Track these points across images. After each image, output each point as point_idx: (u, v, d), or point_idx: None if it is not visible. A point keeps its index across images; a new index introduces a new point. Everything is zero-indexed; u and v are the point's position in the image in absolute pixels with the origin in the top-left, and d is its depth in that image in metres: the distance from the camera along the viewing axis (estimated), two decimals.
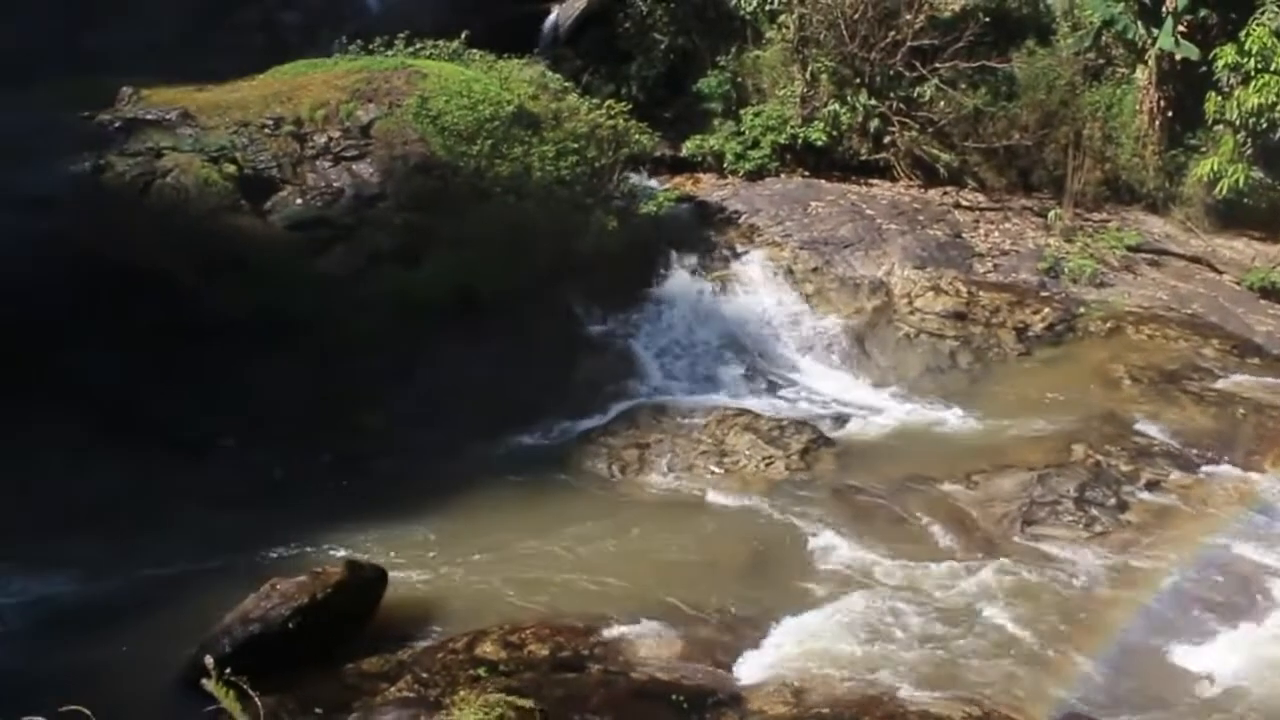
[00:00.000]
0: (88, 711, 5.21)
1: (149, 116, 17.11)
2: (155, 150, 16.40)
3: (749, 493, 14.46)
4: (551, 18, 24.40)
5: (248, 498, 14.12)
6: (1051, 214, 21.32)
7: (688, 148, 22.18)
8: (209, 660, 6.32)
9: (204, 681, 5.70)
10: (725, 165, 22.01)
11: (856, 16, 21.62)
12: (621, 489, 14.78)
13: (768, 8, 22.73)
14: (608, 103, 19.92)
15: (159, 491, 13.84)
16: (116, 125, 16.95)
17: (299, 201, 16.55)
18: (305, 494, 14.21)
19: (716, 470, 14.97)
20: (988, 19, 21.95)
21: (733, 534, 13.43)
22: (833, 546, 12.89)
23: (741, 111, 22.40)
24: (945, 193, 22.05)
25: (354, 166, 17.04)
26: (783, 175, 21.95)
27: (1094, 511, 13.50)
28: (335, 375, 15.58)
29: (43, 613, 11.51)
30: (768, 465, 14.96)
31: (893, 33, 21.66)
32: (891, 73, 21.95)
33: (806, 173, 22.09)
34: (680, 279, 18.74)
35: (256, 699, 5.90)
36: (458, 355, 16.21)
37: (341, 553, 12.19)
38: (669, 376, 17.46)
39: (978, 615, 11.49)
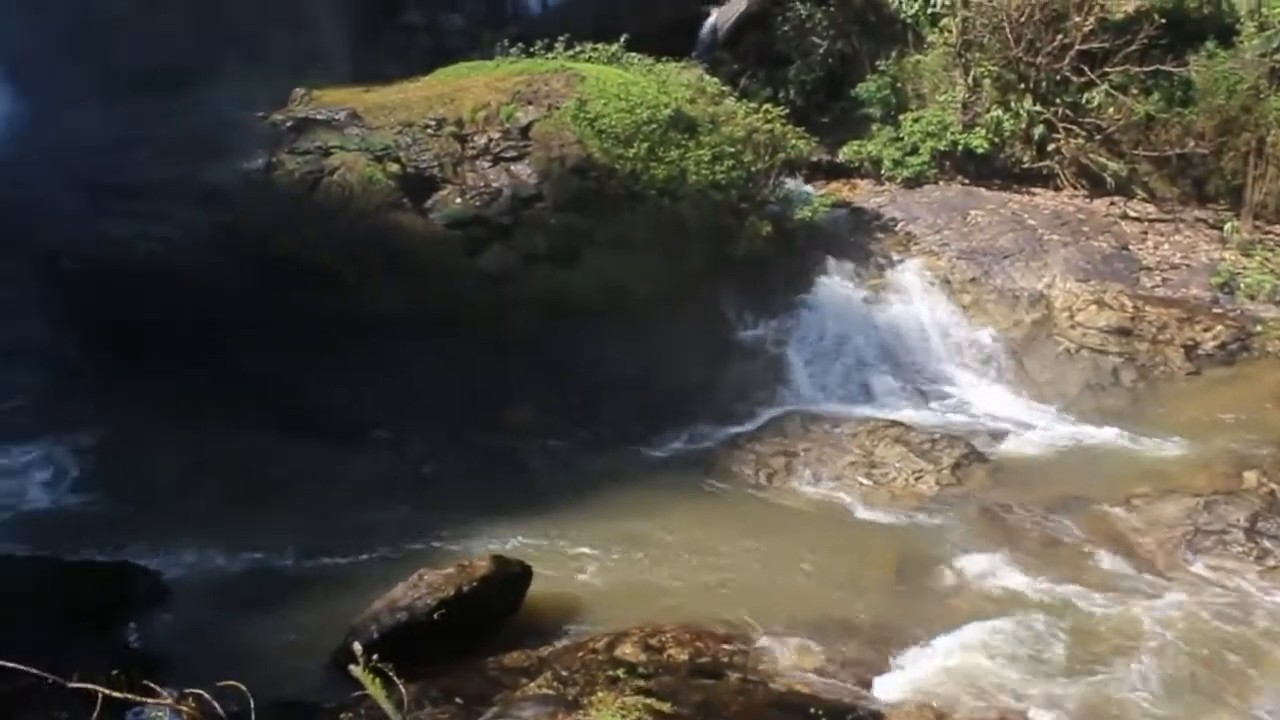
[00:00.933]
0: (243, 688, 5.39)
1: (319, 116, 17.72)
2: (324, 149, 16.98)
3: (897, 506, 14.19)
4: (710, 21, 24.38)
5: (399, 489, 14.53)
6: (1228, 226, 20.30)
7: (845, 153, 21.88)
8: (357, 647, 6.50)
9: (352, 668, 5.86)
10: (882, 171, 21.64)
11: (1022, 19, 20.98)
12: (767, 496, 14.67)
13: (930, 11, 22.25)
14: (765, 107, 19.80)
15: (317, 479, 14.36)
16: (288, 125, 17.61)
17: (458, 201, 16.91)
18: (455, 487, 14.52)
19: (865, 482, 14.72)
20: (1163, 20, 21.02)
21: (879, 548, 13.17)
22: (983, 566, 12.52)
23: (901, 117, 21.99)
24: (1112, 203, 21.20)
25: (512, 167, 17.32)
26: (941, 183, 21.46)
27: (1267, 544, 12.76)
28: (487, 372, 15.90)
29: (207, 587, 12.06)
30: (917, 479, 14.64)
31: (1060, 36, 20.94)
32: (1058, 78, 21.23)
33: (966, 180, 21.55)
34: (833, 286, 18.49)
35: (401, 686, 6.03)
36: (608, 356, 16.34)
37: (488, 547, 12.37)
38: (819, 385, 17.26)
39: (1138, 648, 10.96)
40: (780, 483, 14.86)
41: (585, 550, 12.84)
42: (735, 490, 14.76)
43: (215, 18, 20.72)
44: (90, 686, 4.41)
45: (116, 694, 4.56)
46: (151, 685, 5.16)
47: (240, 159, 16.73)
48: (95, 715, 4.63)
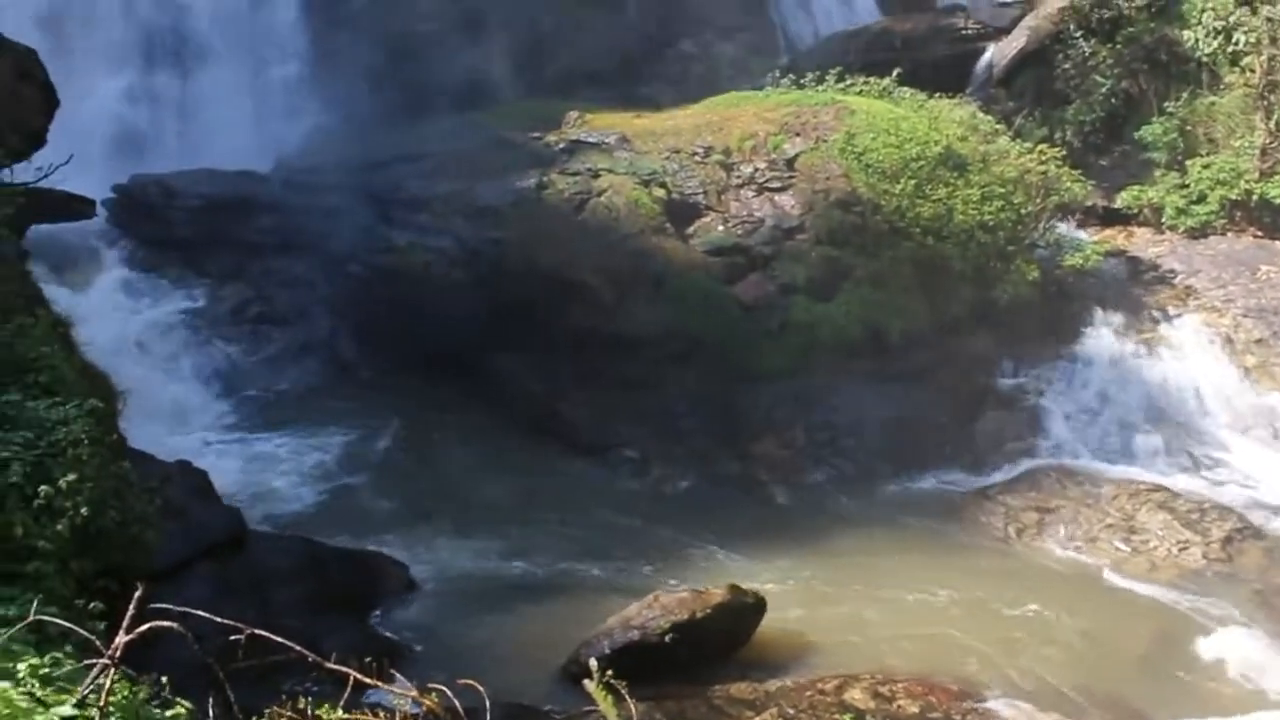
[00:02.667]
0: (480, 688, 5.58)
1: (590, 139, 18.31)
2: (593, 171, 17.52)
3: (1156, 578, 13.34)
4: (985, 57, 23.75)
5: (642, 507, 14.78)
6: None
7: (1123, 199, 20.82)
8: (592, 661, 6.65)
9: (585, 682, 5.98)
10: (1163, 220, 20.45)
11: None
12: (1015, 551, 14.10)
13: (1231, 49, 20.92)
14: (1039, 147, 19.12)
15: (563, 490, 14.81)
16: (560, 146, 18.27)
17: (720, 228, 17.10)
18: (697, 512, 14.64)
19: (1122, 548, 13.91)
20: None
21: (1132, 619, 12.43)
22: (1248, 652, 11.60)
23: (1188, 162, 20.73)
24: None
25: (776, 197, 17.38)
26: (1229, 234, 20.07)
27: None
28: (738, 399, 15.98)
29: (452, 586, 12.63)
30: (1182, 550, 13.72)
31: None
32: None
33: (1259, 233, 20.08)
34: (1101, 338, 17.60)
35: (631, 704, 6.10)
36: (861, 392, 16.14)
37: (725, 575, 12.40)
38: (1079, 440, 16.44)
39: None
40: (1030, 539, 14.25)
41: (821, 588, 12.70)
42: (981, 542, 14.25)
43: (501, 45, 21.86)
44: (345, 670, 4.68)
45: (367, 680, 4.82)
46: (396, 674, 5.41)
47: (514, 177, 17.47)
48: (345, 696, 4.89)
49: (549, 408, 16.07)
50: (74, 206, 15.73)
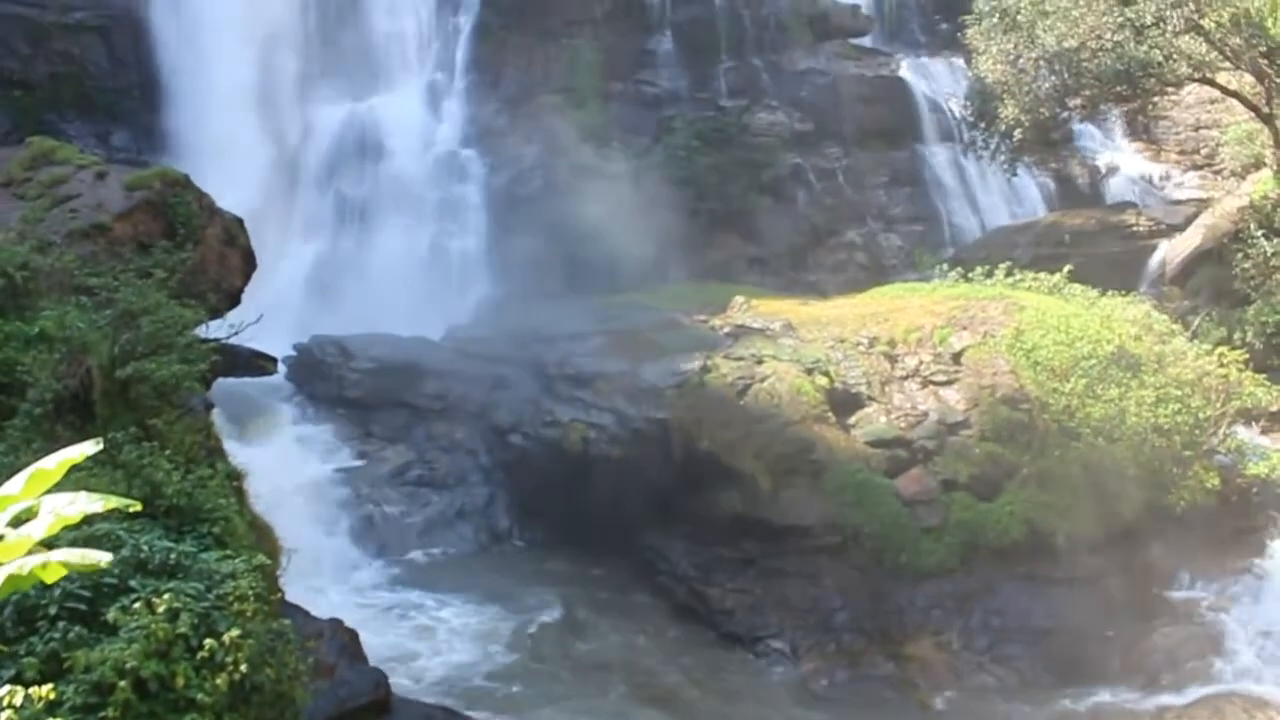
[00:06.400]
0: None
1: (755, 325, 18.45)
2: (757, 357, 17.55)
3: None
4: (1158, 254, 23.33)
5: (788, 702, 14.22)
6: None
7: None
8: None
9: None
10: None
11: None
12: None
13: None
14: (1219, 349, 18.43)
15: (710, 679, 14.39)
16: (725, 330, 18.44)
17: (883, 419, 16.85)
18: (848, 711, 14.03)
19: None
20: None
21: None
22: None
23: None
24: None
25: (940, 391, 17.10)
26: None
27: None
28: (894, 595, 15.45)
29: None
30: None
31: None
32: None
33: None
34: None
35: None
36: (1024, 597, 15.45)
37: None
38: (1267, 663, 15.25)
39: None
40: None
41: None
42: None
43: (670, 228, 22.52)
44: None
45: None
46: None
47: (679, 359, 17.63)
48: None
49: (700, 592, 15.81)
50: (258, 363, 16.52)
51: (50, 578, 2.34)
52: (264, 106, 23.55)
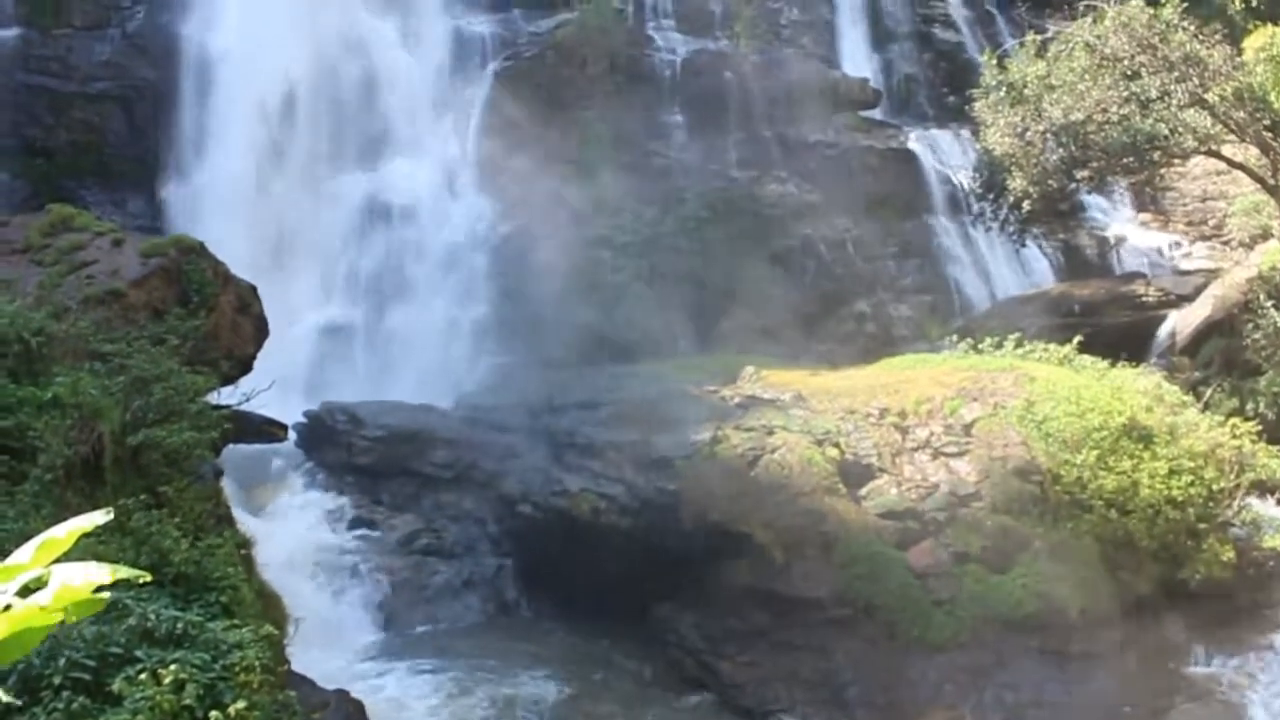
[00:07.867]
0: None
1: (765, 395, 18.39)
2: (767, 428, 17.46)
3: None
4: (1167, 325, 23.34)
5: None
6: None
7: None
8: None
9: None
10: None
11: None
12: None
13: None
14: (1231, 421, 18.34)
15: None
16: (736, 401, 18.38)
17: (894, 491, 16.74)
18: None
19: None
20: None
21: None
22: None
23: None
24: None
25: (951, 463, 17.00)
26: None
27: None
28: (906, 669, 15.23)
29: None
30: None
31: None
32: None
33: None
34: None
35: None
36: (1037, 672, 15.22)
37: None
38: None
39: None
40: None
41: None
42: None
43: (680, 298, 22.65)
44: None
45: None
46: None
47: (689, 429, 17.56)
48: None
49: (710, 665, 15.62)
50: (269, 429, 16.57)
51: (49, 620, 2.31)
52: (279, 175, 23.86)
